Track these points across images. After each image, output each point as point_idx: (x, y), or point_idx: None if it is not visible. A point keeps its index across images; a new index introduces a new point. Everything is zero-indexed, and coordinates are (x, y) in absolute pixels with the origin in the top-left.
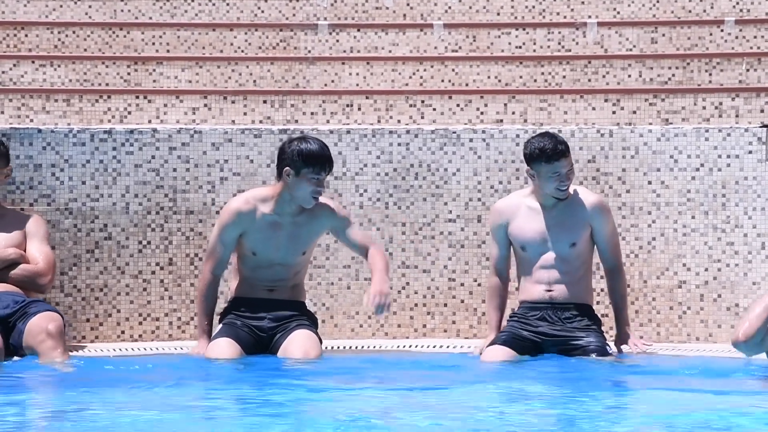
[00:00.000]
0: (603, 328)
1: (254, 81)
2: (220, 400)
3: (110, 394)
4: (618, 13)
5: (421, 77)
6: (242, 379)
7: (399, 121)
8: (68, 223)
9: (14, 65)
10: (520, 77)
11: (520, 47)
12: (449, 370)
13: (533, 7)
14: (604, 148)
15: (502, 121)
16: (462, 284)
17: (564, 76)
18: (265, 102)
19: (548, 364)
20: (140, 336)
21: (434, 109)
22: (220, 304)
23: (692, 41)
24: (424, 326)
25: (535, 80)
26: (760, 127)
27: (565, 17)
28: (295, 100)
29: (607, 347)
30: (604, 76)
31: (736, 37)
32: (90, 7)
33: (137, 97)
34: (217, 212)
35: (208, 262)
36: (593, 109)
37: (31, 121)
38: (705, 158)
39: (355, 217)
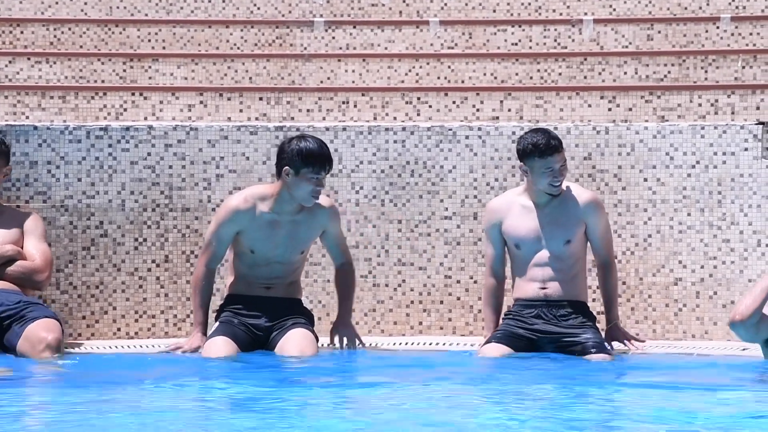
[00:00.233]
0: (598, 325)
1: (250, 78)
2: (217, 398)
3: (105, 392)
4: (614, 10)
5: (417, 74)
6: (238, 377)
7: (395, 118)
8: (64, 220)
9: (10, 62)
10: (516, 74)
11: (516, 44)
12: (446, 367)
13: (529, 4)
14: (600, 145)
15: (498, 118)
16: (458, 281)
17: (560, 73)
18: (261, 99)
19: (544, 362)
20: (136, 333)
21: (430, 106)
22: (216, 302)
23: (688, 38)
24: (420, 323)
25: (531, 77)
26: (756, 124)
27: (561, 14)
28: (291, 97)
29: (606, 344)
30: (600, 73)
31: (732, 34)
32: (86, 4)
33: (133, 94)
34: (213, 209)
35: (202, 256)
36: (589, 106)
37: (27, 118)
38: (701, 155)
39: (351, 214)
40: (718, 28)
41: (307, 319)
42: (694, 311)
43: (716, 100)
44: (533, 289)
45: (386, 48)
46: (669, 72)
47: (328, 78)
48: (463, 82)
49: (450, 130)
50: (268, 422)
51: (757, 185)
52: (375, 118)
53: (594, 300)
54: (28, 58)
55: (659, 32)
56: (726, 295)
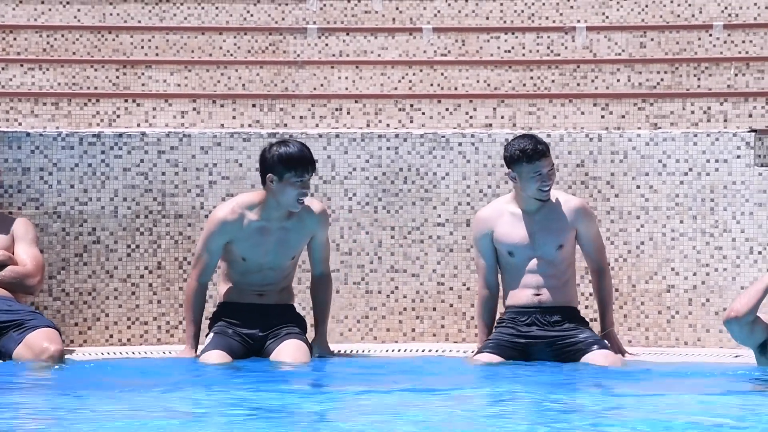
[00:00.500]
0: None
1: (243, 85)
2: (211, 404)
3: (99, 398)
4: (607, 17)
5: (410, 81)
6: (233, 383)
7: (388, 125)
8: (57, 226)
9: (3, 68)
10: (509, 81)
11: (509, 51)
12: (438, 374)
13: (522, 11)
14: (592, 152)
15: (491, 125)
16: (451, 288)
17: (553, 81)
18: (254, 106)
19: (537, 368)
20: (129, 340)
21: (423, 113)
22: (209, 309)
23: (681, 46)
24: (413, 330)
25: (524, 84)
26: (749, 131)
27: (554, 21)
28: (284, 104)
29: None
30: (593, 81)
31: (725, 42)
32: (79, 10)
33: (126, 101)
34: (206, 216)
35: (194, 269)
36: (582, 113)
37: (20, 124)
38: (693, 163)
39: (344, 220)
40: (710, 35)
41: (300, 326)
42: (687, 318)
43: (709, 108)
44: (527, 296)
45: (379, 55)
46: (662, 79)
47: (321, 85)
48: (456, 89)
49: (443, 137)
50: (262, 427)
51: (750, 192)
52: (368, 125)
53: (587, 307)
54: (21, 65)
55: (652, 40)
56: (718, 303)
